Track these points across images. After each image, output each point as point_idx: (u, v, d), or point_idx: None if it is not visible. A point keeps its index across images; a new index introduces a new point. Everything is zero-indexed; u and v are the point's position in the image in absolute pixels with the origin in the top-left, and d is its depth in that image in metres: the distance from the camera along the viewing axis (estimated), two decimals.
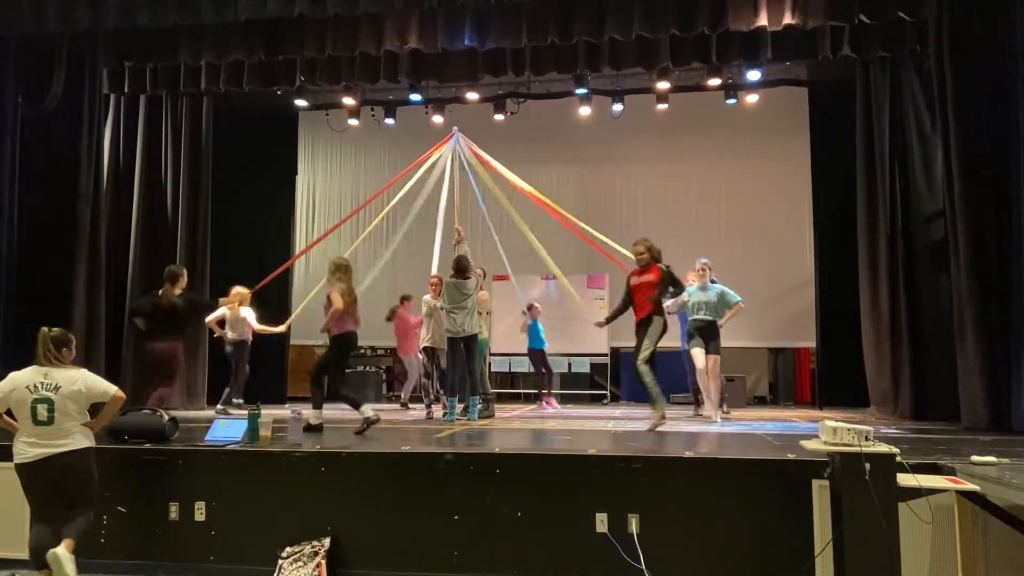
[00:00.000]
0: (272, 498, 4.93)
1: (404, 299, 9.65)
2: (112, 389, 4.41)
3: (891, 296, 8.36)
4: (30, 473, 4.25)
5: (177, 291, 7.06)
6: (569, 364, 11.64)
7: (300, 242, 12.26)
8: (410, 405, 9.74)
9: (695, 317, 7.83)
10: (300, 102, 11.25)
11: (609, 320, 7.27)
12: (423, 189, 9.60)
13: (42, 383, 4.25)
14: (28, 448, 4.22)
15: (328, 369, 6.61)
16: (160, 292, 7.05)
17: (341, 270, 6.57)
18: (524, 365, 12.06)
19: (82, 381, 4.34)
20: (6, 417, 4.30)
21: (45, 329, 4.41)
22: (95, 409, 4.48)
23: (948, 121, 7.02)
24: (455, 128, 9.53)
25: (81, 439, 4.32)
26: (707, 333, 7.78)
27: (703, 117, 11.08)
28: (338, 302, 6.35)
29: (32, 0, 7.77)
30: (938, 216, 7.83)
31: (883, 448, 3.72)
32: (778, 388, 11.83)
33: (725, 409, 8.33)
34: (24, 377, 4.29)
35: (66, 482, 4.29)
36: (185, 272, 7.30)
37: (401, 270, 11.22)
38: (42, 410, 4.19)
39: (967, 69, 6.94)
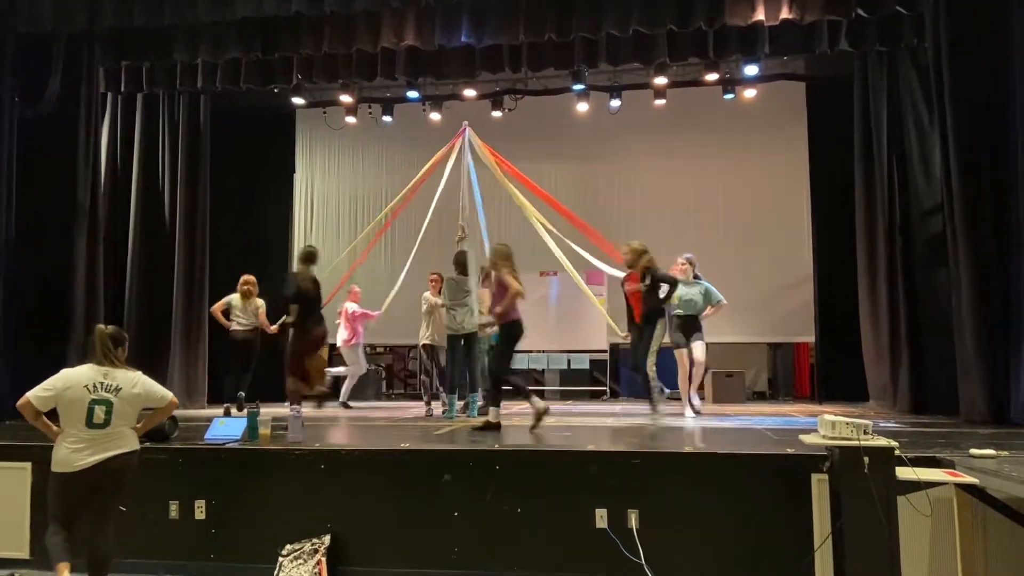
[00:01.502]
0: (272, 496, 4.94)
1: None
2: (168, 395, 4.25)
3: (890, 290, 8.36)
4: (76, 482, 3.91)
5: (313, 273, 6.87)
6: (568, 360, 11.62)
7: (298, 240, 12.25)
8: (350, 404, 9.59)
9: (677, 312, 7.99)
10: (297, 100, 11.26)
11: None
12: (438, 187, 9.60)
13: (102, 383, 3.98)
14: (77, 455, 3.89)
15: (505, 359, 6.51)
16: (296, 274, 6.79)
17: (506, 258, 6.49)
18: (524, 363, 12.07)
19: (141, 384, 4.13)
20: (46, 419, 3.99)
21: (101, 327, 4.19)
22: None
23: (946, 116, 7.01)
24: (465, 123, 9.53)
25: (132, 441, 4.11)
26: (689, 328, 8.00)
27: (701, 112, 11.06)
28: (516, 285, 6.31)
29: None
30: (936, 210, 7.83)
31: (882, 442, 3.73)
32: (777, 383, 11.84)
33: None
34: (82, 375, 4.00)
35: (108, 487, 4.00)
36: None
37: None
38: (100, 412, 3.93)
39: (965, 63, 6.92)
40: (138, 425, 4.20)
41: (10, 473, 5.16)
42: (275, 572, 4.65)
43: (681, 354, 7.99)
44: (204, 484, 5.00)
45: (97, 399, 3.93)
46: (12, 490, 5.11)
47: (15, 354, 7.59)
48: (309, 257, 7.00)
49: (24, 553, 5.03)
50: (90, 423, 3.92)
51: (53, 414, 4.02)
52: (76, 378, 3.98)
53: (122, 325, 9.13)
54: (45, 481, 5.00)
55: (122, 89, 9.32)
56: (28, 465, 5.14)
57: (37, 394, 3.92)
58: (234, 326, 8.16)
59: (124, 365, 4.15)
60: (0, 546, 5.06)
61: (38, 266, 7.96)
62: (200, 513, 4.93)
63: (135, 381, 4.10)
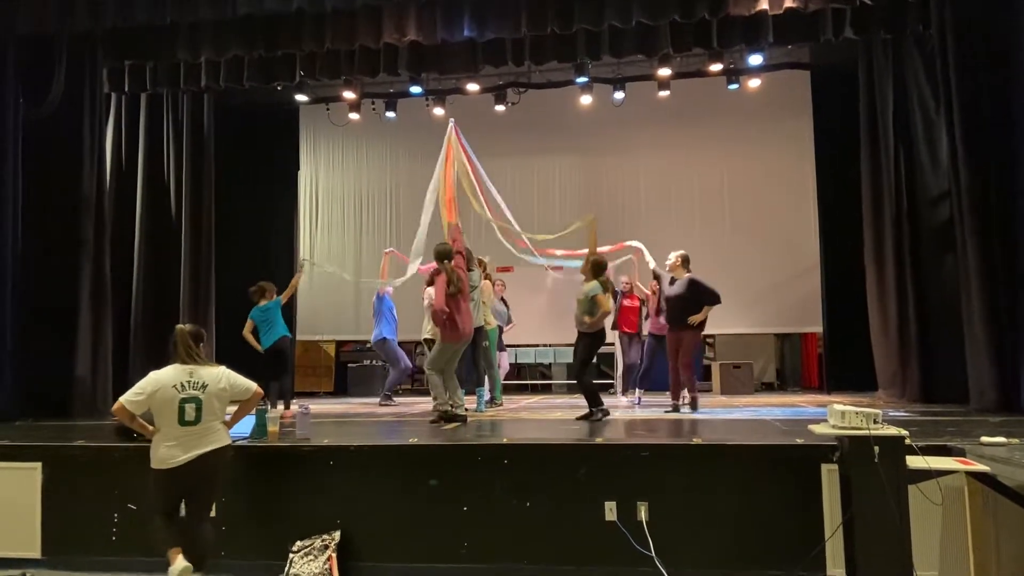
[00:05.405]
0: (282, 493, 4.95)
1: None
2: (253, 386, 4.39)
3: (897, 279, 8.33)
4: (175, 477, 4.12)
5: None
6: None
7: (303, 236, 12.28)
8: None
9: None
10: (300, 97, 11.21)
11: None
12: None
13: (189, 382, 4.17)
14: (176, 452, 4.10)
15: None
16: None
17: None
18: (531, 356, 12.05)
19: (226, 379, 4.29)
20: (141, 420, 4.19)
21: (181, 326, 4.37)
22: None
23: (952, 102, 6.97)
24: (452, 120, 9.47)
25: (223, 436, 4.29)
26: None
27: (705, 103, 11.02)
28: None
29: (31, 0, 7.75)
30: (943, 198, 7.79)
31: (892, 431, 3.71)
32: (785, 374, 11.83)
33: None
34: (169, 376, 4.18)
35: (205, 481, 4.23)
36: None
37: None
38: (190, 410, 4.12)
39: (971, 49, 6.88)
40: (227, 420, 4.36)
41: (21, 473, 5.18)
42: (286, 568, 4.66)
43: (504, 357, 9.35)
44: None
45: (186, 397, 4.12)
46: (24, 490, 5.13)
47: (23, 354, 7.62)
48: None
49: (36, 553, 5.05)
50: (182, 421, 4.11)
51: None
52: (164, 380, 4.15)
53: (129, 323, 9.20)
54: (55, 481, 5.11)
55: (126, 89, 9.33)
56: (39, 465, 5.16)
57: (129, 399, 4.10)
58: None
59: (206, 361, 4.32)
60: (12, 546, 5.08)
61: (45, 266, 7.98)
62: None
63: (220, 376, 4.27)
